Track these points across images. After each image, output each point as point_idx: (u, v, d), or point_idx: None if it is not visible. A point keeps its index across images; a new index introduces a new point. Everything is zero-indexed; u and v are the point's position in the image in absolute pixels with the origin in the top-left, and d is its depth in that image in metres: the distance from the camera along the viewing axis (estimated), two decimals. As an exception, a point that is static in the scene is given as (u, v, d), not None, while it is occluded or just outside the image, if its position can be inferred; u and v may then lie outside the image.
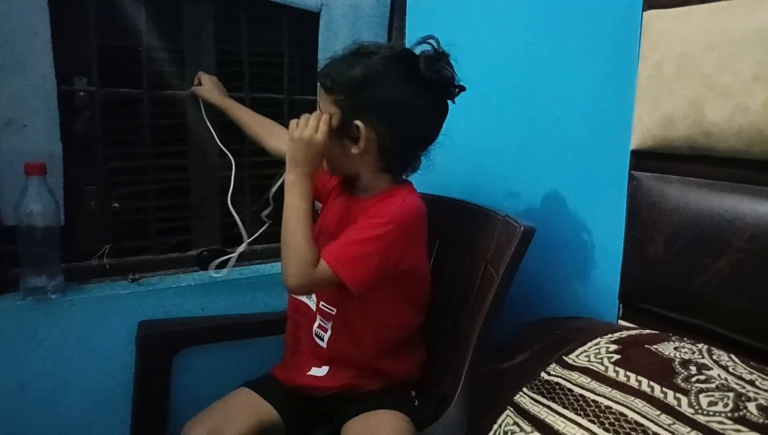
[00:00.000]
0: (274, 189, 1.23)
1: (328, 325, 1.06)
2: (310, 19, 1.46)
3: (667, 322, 0.89)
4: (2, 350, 1.11)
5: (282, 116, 1.44)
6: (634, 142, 0.95)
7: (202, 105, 1.33)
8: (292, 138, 0.96)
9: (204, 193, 1.41)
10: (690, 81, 0.84)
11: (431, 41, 0.98)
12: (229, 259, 1.34)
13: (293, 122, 0.98)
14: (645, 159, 0.93)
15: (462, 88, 1.01)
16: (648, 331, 0.83)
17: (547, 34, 1.12)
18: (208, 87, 1.31)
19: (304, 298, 1.11)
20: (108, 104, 1.26)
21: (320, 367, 1.08)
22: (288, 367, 1.13)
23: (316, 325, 1.08)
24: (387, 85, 0.95)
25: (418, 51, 1.00)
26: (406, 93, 0.96)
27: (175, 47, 1.32)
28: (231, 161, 1.35)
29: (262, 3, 1.38)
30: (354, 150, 0.98)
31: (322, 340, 1.06)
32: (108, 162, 1.29)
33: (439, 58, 0.98)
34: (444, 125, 1.04)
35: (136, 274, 1.30)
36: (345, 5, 1.48)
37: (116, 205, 1.31)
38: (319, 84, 1.02)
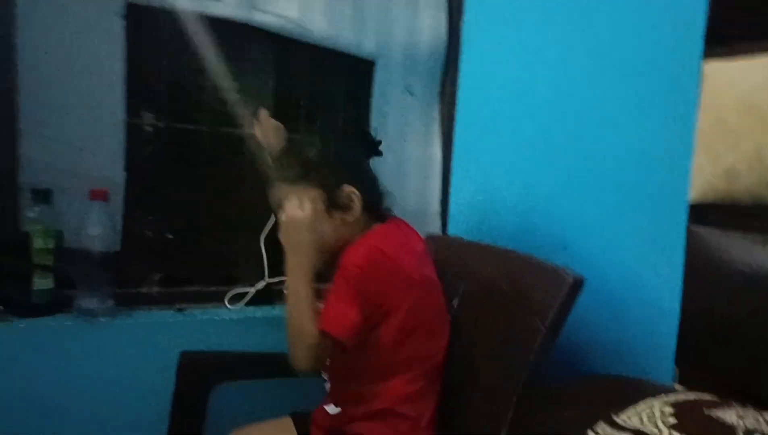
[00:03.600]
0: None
1: (326, 377, 1.10)
2: (367, 66, 1.51)
3: (729, 390, 0.82)
4: (47, 365, 1.14)
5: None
6: (693, 196, 0.91)
7: None
8: (282, 220, 0.98)
9: (254, 229, 1.44)
10: (755, 131, 0.80)
11: None
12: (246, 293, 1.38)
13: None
14: (705, 213, 0.89)
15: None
16: (707, 396, 0.77)
17: (601, 83, 1.11)
18: (266, 130, 1.29)
19: None
20: (172, 138, 1.33)
21: (332, 405, 1.09)
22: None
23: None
24: (338, 149, 1.04)
25: None
26: (344, 147, 1.06)
27: (237, 87, 1.39)
28: None
29: (322, 49, 1.44)
30: (350, 217, 1.01)
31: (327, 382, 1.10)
32: (167, 193, 1.34)
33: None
34: (493, 174, 1.05)
35: (182, 304, 1.32)
36: (400, 55, 1.53)
37: (170, 235, 1.36)
38: (278, 187, 1.03)
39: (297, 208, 0.98)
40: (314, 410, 1.12)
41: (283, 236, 0.98)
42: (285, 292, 0.97)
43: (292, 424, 1.12)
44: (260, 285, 1.38)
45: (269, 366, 1.31)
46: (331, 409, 1.08)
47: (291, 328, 0.95)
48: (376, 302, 0.96)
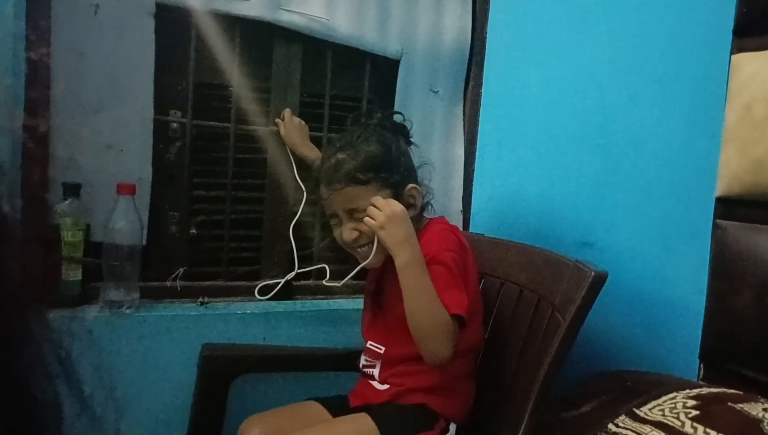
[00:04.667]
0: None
1: (377, 363, 1.10)
2: (391, 66, 1.52)
3: (754, 386, 0.80)
4: (74, 355, 1.16)
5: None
6: (720, 189, 0.89)
7: None
8: (382, 224, 0.95)
9: (277, 226, 1.46)
10: (783, 123, 0.79)
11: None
12: (277, 284, 1.39)
13: (370, 212, 0.97)
14: (732, 207, 0.87)
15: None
16: (732, 390, 0.75)
17: (627, 77, 1.10)
18: (289, 129, 1.35)
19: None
20: (197, 136, 1.35)
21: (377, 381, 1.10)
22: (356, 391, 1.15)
23: (361, 362, 1.13)
24: (396, 146, 1.06)
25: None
26: (399, 144, 1.09)
27: (263, 86, 1.41)
28: (303, 193, 1.39)
29: (347, 48, 1.45)
30: (412, 213, 1.01)
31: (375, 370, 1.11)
32: (192, 190, 1.37)
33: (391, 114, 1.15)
34: (516, 172, 1.12)
35: (205, 298, 1.34)
36: (424, 54, 1.53)
37: (194, 231, 1.38)
38: (342, 189, 1.01)
39: (394, 204, 0.97)
40: (357, 385, 1.14)
41: (389, 235, 0.95)
42: (406, 288, 0.93)
43: (319, 406, 1.11)
44: (290, 275, 1.38)
45: (290, 360, 1.32)
46: (378, 385, 1.09)
47: (427, 320, 0.92)
48: (465, 281, 1.00)
